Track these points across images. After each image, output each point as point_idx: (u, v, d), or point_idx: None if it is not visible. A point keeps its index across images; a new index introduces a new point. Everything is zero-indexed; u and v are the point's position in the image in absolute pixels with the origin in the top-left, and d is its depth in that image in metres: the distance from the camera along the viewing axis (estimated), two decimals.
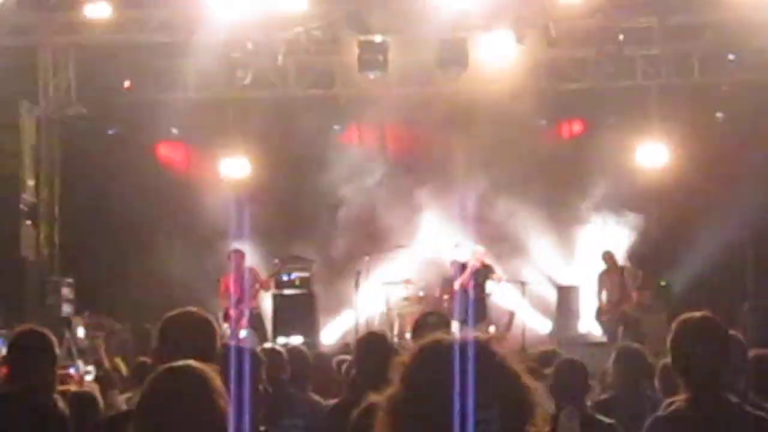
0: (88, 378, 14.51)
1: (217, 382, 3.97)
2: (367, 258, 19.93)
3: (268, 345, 10.82)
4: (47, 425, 6.00)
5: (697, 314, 5.41)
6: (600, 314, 20.25)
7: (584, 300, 20.97)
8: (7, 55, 20.06)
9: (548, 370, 7.83)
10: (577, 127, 23.18)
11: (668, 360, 5.65)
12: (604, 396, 8.84)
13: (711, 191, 20.69)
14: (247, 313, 19.11)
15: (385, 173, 22.13)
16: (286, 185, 22.34)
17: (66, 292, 20.17)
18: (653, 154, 20.80)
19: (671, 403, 5.44)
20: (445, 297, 19.38)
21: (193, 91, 21.58)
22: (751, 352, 7.21)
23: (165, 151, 23.09)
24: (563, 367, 7.68)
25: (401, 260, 20.73)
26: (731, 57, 21.06)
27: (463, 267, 19.28)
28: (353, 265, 20.12)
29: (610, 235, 21.48)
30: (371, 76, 20.70)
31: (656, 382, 7.94)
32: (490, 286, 19.52)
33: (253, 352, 5.90)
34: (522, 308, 20.24)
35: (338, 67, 21.77)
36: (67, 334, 17.81)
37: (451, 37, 19.99)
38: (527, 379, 2.82)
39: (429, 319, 7.74)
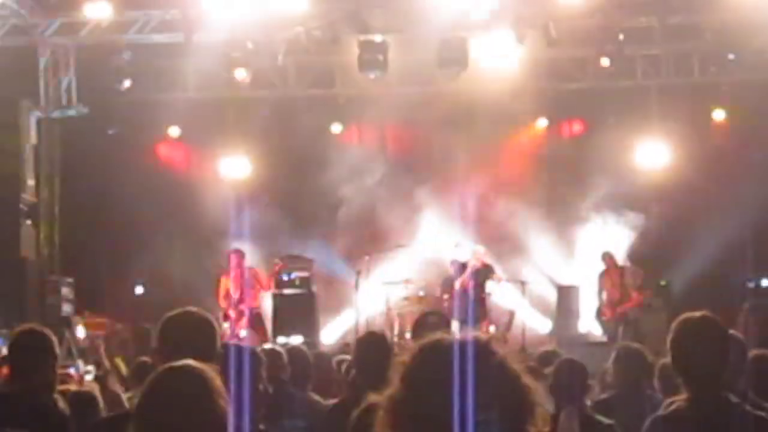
0: (88, 378, 14.50)
1: (217, 382, 3.98)
2: (367, 258, 19.94)
3: (267, 345, 10.81)
4: (48, 425, 6.00)
5: (697, 314, 5.40)
6: (600, 314, 20.26)
7: (584, 300, 20.96)
8: (7, 55, 20.06)
9: (548, 370, 7.84)
10: (577, 126, 23.17)
11: (667, 360, 5.65)
12: (604, 396, 8.83)
13: (711, 191, 20.70)
14: (246, 312, 19.14)
15: (385, 173, 22.13)
16: (286, 185, 22.34)
17: (66, 291, 20.15)
18: (653, 154, 20.80)
19: (671, 403, 5.44)
20: (445, 297, 19.37)
21: (193, 90, 21.59)
22: (751, 352, 7.21)
23: (165, 151, 23.09)
24: (563, 367, 7.68)
25: (401, 260, 20.73)
26: (731, 57, 21.04)
27: (463, 267, 19.28)
28: (354, 264, 20.13)
29: (610, 234, 21.48)
30: (371, 75, 20.70)
31: (655, 382, 7.94)
32: (490, 286, 19.52)
33: (252, 352, 5.90)
34: (522, 308, 20.23)
35: (338, 67, 21.77)
36: (67, 334, 17.82)
37: (451, 36, 19.97)
38: (527, 379, 2.82)
39: (429, 318, 7.77)
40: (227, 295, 19.26)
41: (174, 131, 22.61)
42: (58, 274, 20.80)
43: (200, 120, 21.53)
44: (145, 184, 21.49)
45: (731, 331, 5.90)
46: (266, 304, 20.31)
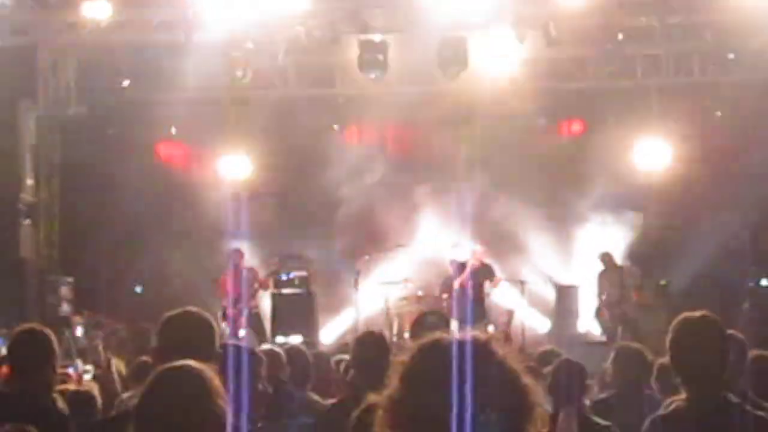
0: (87, 377, 14.50)
1: (216, 382, 3.98)
2: (366, 257, 19.94)
3: (266, 346, 10.81)
4: (48, 424, 6.00)
5: (697, 314, 5.41)
6: (599, 314, 20.27)
7: (583, 299, 20.97)
8: (6, 55, 20.03)
9: (547, 370, 7.84)
10: (576, 126, 23.16)
11: (665, 360, 5.65)
12: (603, 395, 8.83)
13: (710, 190, 20.71)
14: (245, 312, 19.14)
15: (385, 173, 22.12)
16: (286, 185, 22.36)
17: (65, 291, 20.15)
18: (653, 154, 20.78)
19: (671, 403, 5.44)
20: (444, 296, 19.36)
21: (193, 90, 21.54)
22: (751, 352, 7.21)
23: (164, 151, 23.08)
24: (561, 367, 7.69)
25: (400, 259, 20.73)
26: (731, 56, 21.06)
27: (462, 266, 19.28)
28: (353, 264, 20.14)
29: (609, 234, 21.49)
30: (371, 75, 20.69)
31: (653, 382, 7.94)
32: (488, 286, 19.53)
33: (251, 352, 5.91)
34: (521, 307, 20.24)
35: (338, 67, 21.76)
36: (66, 334, 17.80)
37: (451, 36, 19.98)
38: (527, 379, 2.82)
39: (428, 318, 7.76)
40: (226, 294, 19.25)
41: (173, 131, 22.61)
42: (57, 274, 20.80)
43: (200, 120, 21.52)
44: (145, 184, 21.48)
45: (731, 331, 5.91)
46: (265, 303, 20.32)
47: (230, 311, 19.04)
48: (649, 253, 21.25)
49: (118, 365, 14.78)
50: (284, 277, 20.45)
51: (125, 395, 9.57)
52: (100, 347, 16.71)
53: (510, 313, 19.96)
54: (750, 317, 18.59)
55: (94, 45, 20.73)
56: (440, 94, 21.28)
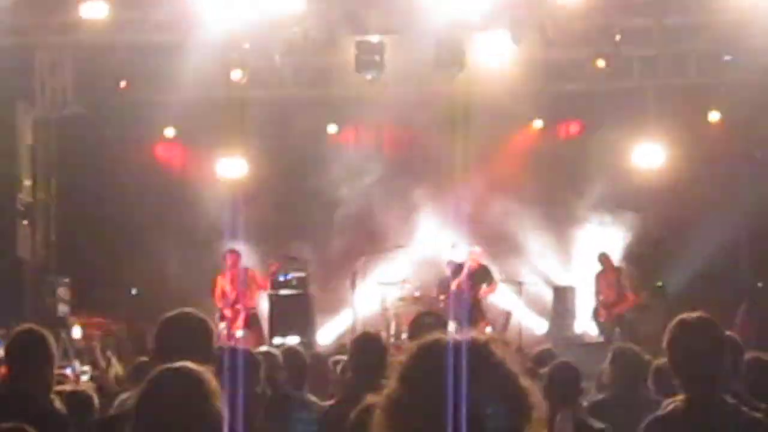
0: (84, 378, 14.50)
1: (213, 383, 3.99)
2: (363, 258, 19.94)
3: (263, 348, 10.80)
4: (46, 425, 6.00)
5: (694, 315, 5.41)
6: (596, 314, 20.27)
7: (580, 300, 20.98)
8: (3, 56, 20.01)
9: (544, 370, 7.85)
10: (574, 127, 23.18)
11: (661, 361, 5.66)
12: (600, 397, 8.84)
13: (707, 191, 20.71)
14: (243, 313, 19.13)
15: (382, 173, 22.12)
16: (283, 185, 22.35)
17: (62, 292, 20.14)
18: (650, 155, 20.79)
19: (669, 404, 5.45)
20: (442, 297, 19.36)
21: (189, 91, 21.52)
22: (748, 354, 7.22)
23: (162, 152, 23.08)
24: (556, 370, 7.70)
25: (398, 260, 20.73)
26: (727, 58, 21.07)
27: (459, 267, 19.28)
28: (350, 265, 20.13)
29: (606, 235, 21.49)
30: (368, 76, 20.70)
31: (650, 383, 7.95)
32: (484, 291, 19.50)
33: (249, 354, 5.90)
34: (518, 308, 20.25)
35: (335, 68, 21.76)
36: (63, 335, 17.79)
37: (448, 37, 19.97)
38: (525, 381, 2.82)
39: (425, 319, 7.76)
40: (223, 295, 19.25)
41: (170, 131, 22.60)
42: (54, 275, 20.79)
43: (197, 120, 21.49)
44: (142, 184, 21.49)
45: (727, 333, 5.91)
46: (263, 304, 20.30)
47: (227, 312, 19.04)
48: (646, 254, 21.25)
49: (115, 366, 14.82)
50: (282, 278, 20.44)
51: (124, 395, 9.57)
52: (98, 348, 16.68)
53: (507, 314, 19.96)
54: (746, 318, 18.59)
55: (92, 46, 20.72)
56: (437, 95, 21.26)
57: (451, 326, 17.72)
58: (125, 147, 21.74)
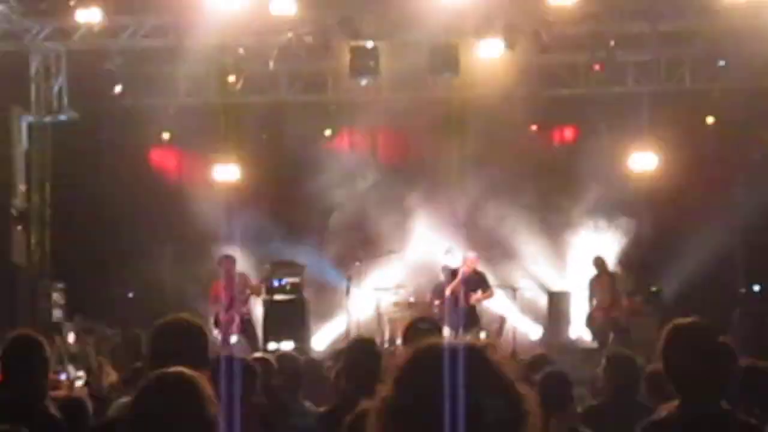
0: (79, 383, 14.47)
1: (207, 389, 3.98)
2: (358, 263, 19.93)
3: (257, 354, 10.80)
4: (42, 431, 5.99)
5: (688, 320, 5.41)
6: (590, 320, 20.25)
7: (575, 305, 20.97)
8: None
9: (537, 376, 7.84)
10: (568, 132, 23.19)
11: (654, 366, 5.66)
12: (594, 402, 8.83)
13: (702, 197, 20.72)
14: (237, 318, 19.09)
15: (377, 179, 22.12)
16: (278, 190, 22.32)
17: (57, 297, 20.13)
18: (644, 160, 20.81)
19: (663, 410, 5.45)
20: (436, 303, 19.33)
21: (184, 96, 21.58)
22: (742, 360, 7.21)
23: (156, 157, 23.06)
24: (548, 378, 7.69)
25: (392, 266, 20.71)
26: (722, 63, 21.12)
27: (454, 273, 19.26)
28: (345, 270, 20.13)
29: (601, 240, 21.49)
30: (363, 81, 20.72)
31: (644, 389, 7.95)
32: (478, 297, 19.46)
33: (246, 364, 5.90)
34: (513, 314, 20.24)
35: (330, 73, 21.78)
36: (58, 340, 17.76)
37: (443, 42, 20.00)
38: (520, 387, 2.82)
39: (420, 325, 7.71)
40: (218, 300, 19.21)
41: (165, 136, 22.59)
42: (48, 280, 20.78)
43: (191, 125, 21.50)
44: (137, 189, 21.47)
45: (722, 338, 5.92)
46: (257, 310, 20.28)
47: (222, 317, 19.01)
48: (641, 260, 21.25)
49: (109, 371, 14.78)
50: (276, 284, 20.42)
51: (122, 401, 9.56)
52: (92, 353, 16.66)
53: (502, 320, 19.94)
54: (741, 323, 18.61)
55: (86, 50, 20.73)
56: (432, 100, 21.30)
57: (446, 332, 17.71)
58: (120, 152, 21.73)
